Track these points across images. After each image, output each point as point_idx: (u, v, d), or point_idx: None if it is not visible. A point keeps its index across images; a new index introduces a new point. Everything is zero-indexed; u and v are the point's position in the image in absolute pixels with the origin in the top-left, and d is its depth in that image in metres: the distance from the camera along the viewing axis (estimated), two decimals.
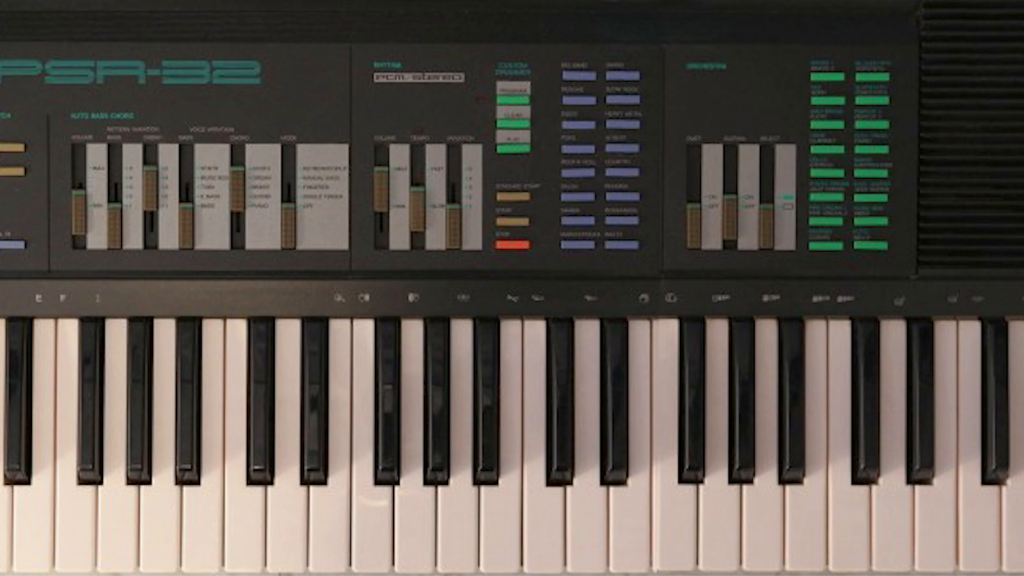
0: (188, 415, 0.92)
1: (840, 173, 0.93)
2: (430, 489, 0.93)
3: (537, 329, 0.94)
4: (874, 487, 0.94)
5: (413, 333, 0.94)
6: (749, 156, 0.93)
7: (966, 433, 0.95)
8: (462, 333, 0.94)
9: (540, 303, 0.93)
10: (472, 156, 0.93)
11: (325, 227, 0.92)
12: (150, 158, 0.92)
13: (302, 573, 0.93)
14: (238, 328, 0.94)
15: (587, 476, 0.94)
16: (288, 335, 0.94)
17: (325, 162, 0.92)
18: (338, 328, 0.94)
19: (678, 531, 0.93)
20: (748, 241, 0.93)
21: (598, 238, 0.93)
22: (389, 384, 0.93)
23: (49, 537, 0.92)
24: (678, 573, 0.94)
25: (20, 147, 0.91)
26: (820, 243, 0.93)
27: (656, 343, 0.94)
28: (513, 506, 0.93)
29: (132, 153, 0.92)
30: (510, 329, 0.94)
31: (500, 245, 0.93)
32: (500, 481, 0.93)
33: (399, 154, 0.93)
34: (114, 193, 0.92)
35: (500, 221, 0.93)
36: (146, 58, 0.91)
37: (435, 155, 0.93)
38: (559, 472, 0.93)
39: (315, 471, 0.92)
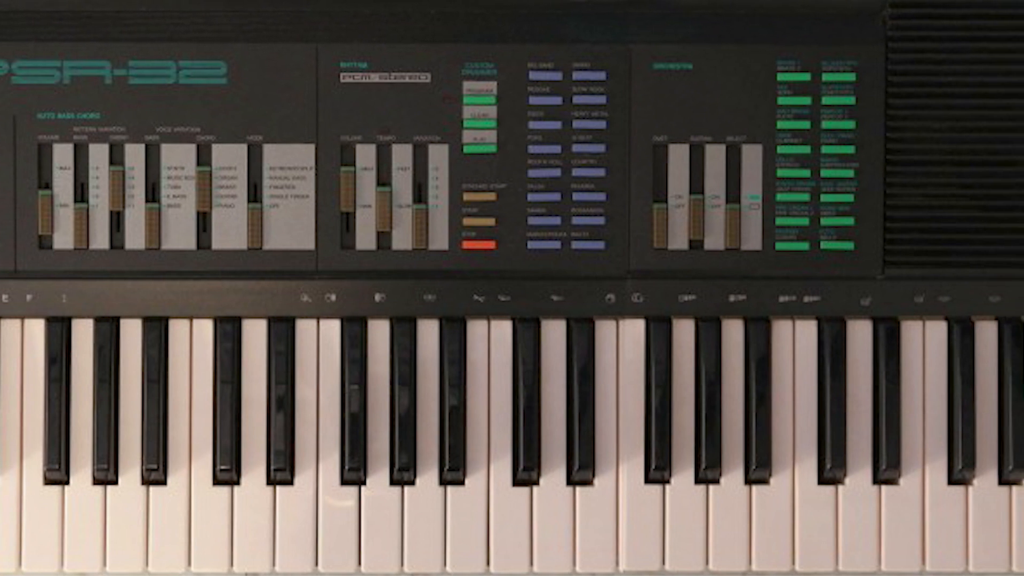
0: (154, 415, 0.92)
1: (807, 173, 0.93)
2: (396, 489, 0.93)
3: (503, 329, 0.94)
4: (840, 487, 0.94)
5: (379, 333, 0.94)
6: (715, 156, 0.93)
7: (932, 433, 0.95)
8: (428, 333, 0.94)
9: (506, 303, 0.93)
10: (438, 156, 0.93)
11: (291, 227, 0.92)
12: (116, 158, 0.92)
13: (268, 573, 0.93)
14: (204, 328, 0.93)
15: (553, 476, 0.94)
16: (254, 335, 0.93)
17: (291, 162, 0.92)
18: (304, 328, 0.94)
19: (644, 531, 0.93)
20: (714, 241, 0.93)
21: (565, 238, 0.93)
22: (355, 384, 0.93)
23: (15, 537, 0.92)
24: (644, 573, 0.94)
25: None
26: (786, 243, 0.93)
27: (623, 343, 0.94)
28: (479, 506, 0.93)
29: (98, 153, 0.92)
30: (476, 329, 0.94)
31: (466, 245, 0.93)
32: (466, 481, 0.93)
33: (365, 154, 0.93)
34: (80, 193, 0.92)
35: (467, 221, 0.93)
36: (112, 58, 0.91)
37: (401, 155, 0.93)
38: (525, 472, 0.93)
39: (281, 471, 0.92)
